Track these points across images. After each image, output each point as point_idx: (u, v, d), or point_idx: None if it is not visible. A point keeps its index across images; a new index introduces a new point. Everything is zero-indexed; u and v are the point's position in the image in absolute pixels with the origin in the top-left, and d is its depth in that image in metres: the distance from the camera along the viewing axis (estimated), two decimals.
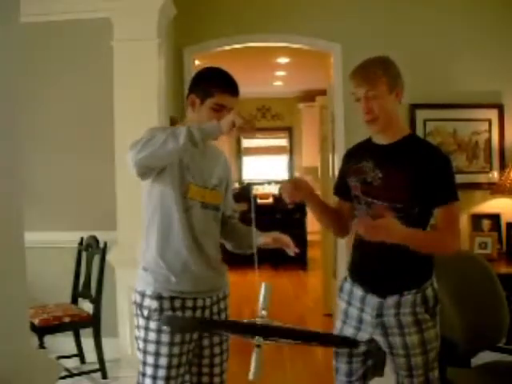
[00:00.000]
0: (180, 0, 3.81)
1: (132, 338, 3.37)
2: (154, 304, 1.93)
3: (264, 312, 1.47)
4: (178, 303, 1.95)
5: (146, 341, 1.94)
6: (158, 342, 1.92)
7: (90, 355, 3.70)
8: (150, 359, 1.93)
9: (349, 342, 1.60)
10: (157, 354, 1.92)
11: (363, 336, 1.98)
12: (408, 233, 1.78)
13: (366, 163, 1.96)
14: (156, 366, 1.93)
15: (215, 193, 2.06)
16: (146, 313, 1.94)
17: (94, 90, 3.89)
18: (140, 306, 1.96)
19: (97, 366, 3.57)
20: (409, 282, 1.92)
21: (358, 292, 1.99)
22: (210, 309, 2.03)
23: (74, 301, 3.78)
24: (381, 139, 1.97)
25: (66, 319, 3.47)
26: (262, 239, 2.04)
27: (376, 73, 1.90)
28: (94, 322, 3.54)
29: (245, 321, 1.45)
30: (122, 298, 3.47)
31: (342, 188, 2.11)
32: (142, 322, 1.95)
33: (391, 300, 1.91)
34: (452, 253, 1.95)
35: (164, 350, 1.92)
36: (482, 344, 2.49)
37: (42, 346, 3.32)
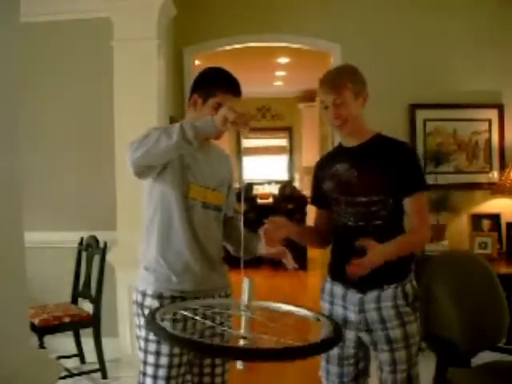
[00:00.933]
0: (180, 0, 3.81)
1: (132, 337, 3.38)
2: (155, 303, 1.93)
3: (245, 310, 1.49)
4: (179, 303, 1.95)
5: (147, 340, 1.94)
6: (159, 342, 1.91)
7: (90, 355, 3.70)
8: (151, 358, 1.93)
9: (333, 341, 1.48)
10: (158, 354, 1.92)
11: (349, 335, 2.03)
12: (389, 250, 1.92)
13: (339, 166, 2.08)
14: (157, 366, 1.93)
15: (217, 193, 2.06)
16: (147, 312, 1.93)
17: (94, 90, 3.90)
18: (141, 306, 1.97)
19: (97, 366, 3.57)
20: (389, 277, 1.99)
21: (339, 290, 2.06)
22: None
23: (74, 301, 3.78)
24: (351, 142, 2.10)
25: (66, 319, 3.47)
26: (265, 250, 2.03)
27: (342, 81, 2.02)
28: (93, 322, 3.54)
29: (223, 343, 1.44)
30: (122, 298, 3.47)
31: (317, 196, 2.24)
32: (143, 321, 1.95)
33: (371, 295, 1.99)
34: (426, 243, 2.17)
35: (165, 349, 1.92)
36: (482, 344, 2.49)
37: (42, 346, 3.32)
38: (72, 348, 3.78)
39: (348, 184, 2.04)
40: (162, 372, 1.92)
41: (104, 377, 3.57)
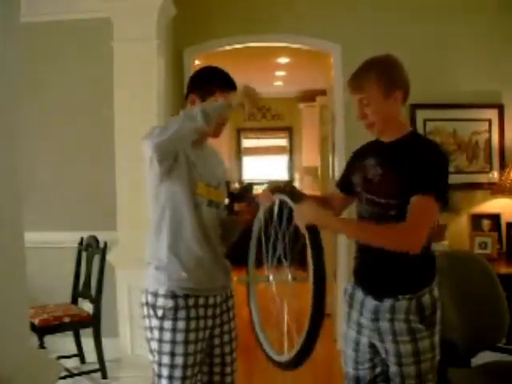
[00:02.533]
0: (180, 0, 3.81)
1: (132, 337, 3.37)
2: (170, 303, 1.93)
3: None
4: (191, 301, 1.95)
5: (160, 341, 1.93)
6: (173, 342, 1.91)
7: (90, 355, 3.70)
8: (166, 359, 1.92)
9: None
10: (172, 354, 1.92)
11: (363, 340, 1.98)
12: (340, 221, 1.88)
13: (368, 161, 1.98)
14: (172, 366, 1.92)
15: (218, 191, 2.10)
16: (160, 313, 1.93)
17: (94, 90, 3.90)
18: (153, 307, 1.95)
19: (97, 366, 3.57)
20: (404, 286, 1.88)
21: (359, 294, 2.00)
22: (220, 306, 2.05)
23: (74, 301, 3.78)
24: (384, 138, 1.98)
25: (66, 319, 3.47)
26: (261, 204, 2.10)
27: (369, 79, 1.87)
28: (93, 322, 3.54)
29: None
30: (121, 298, 3.47)
31: (344, 184, 2.15)
32: (155, 322, 1.94)
33: (387, 303, 1.89)
34: (408, 249, 1.74)
35: (179, 349, 1.91)
36: (482, 344, 2.49)
37: (42, 346, 3.32)
38: (72, 348, 3.79)
39: (371, 182, 1.94)
40: (177, 372, 1.92)
41: (104, 377, 3.57)
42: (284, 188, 1.96)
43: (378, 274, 1.94)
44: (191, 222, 1.97)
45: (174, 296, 1.94)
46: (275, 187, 2.02)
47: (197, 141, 1.98)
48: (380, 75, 1.87)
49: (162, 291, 1.95)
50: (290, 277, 1.86)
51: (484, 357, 2.52)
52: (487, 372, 2.43)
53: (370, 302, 1.94)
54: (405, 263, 1.86)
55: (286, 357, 1.84)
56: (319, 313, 1.68)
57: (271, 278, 1.90)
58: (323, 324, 1.69)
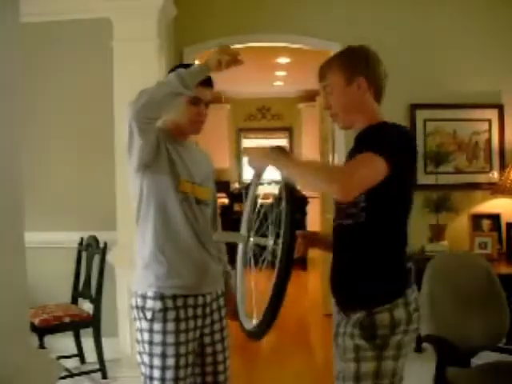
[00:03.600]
0: (180, 0, 3.81)
1: (132, 337, 3.37)
2: (158, 305, 1.92)
3: None
4: (180, 302, 1.94)
5: (151, 343, 1.92)
6: (163, 343, 1.91)
7: (90, 355, 3.70)
8: (157, 361, 1.91)
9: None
10: (164, 356, 1.91)
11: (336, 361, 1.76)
12: (291, 159, 1.61)
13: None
14: (164, 368, 1.91)
15: (203, 188, 2.07)
16: (149, 315, 1.93)
17: (94, 90, 3.90)
18: (142, 309, 1.95)
19: (97, 366, 3.57)
20: (360, 299, 1.67)
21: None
22: (210, 305, 2.04)
23: (74, 301, 3.78)
24: (355, 130, 1.80)
25: (66, 319, 3.47)
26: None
27: (331, 66, 1.78)
28: (93, 321, 3.54)
29: None
30: (121, 298, 3.47)
31: None
32: (145, 324, 1.94)
33: (341, 316, 1.73)
34: (336, 193, 1.53)
35: (170, 350, 1.91)
36: (482, 344, 2.49)
37: (42, 346, 3.32)
38: (72, 348, 3.79)
39: None
40: (169, 374, 1.91)
41: (104, 377, 3.57)
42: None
43: (340, 285, 1.76)
44: (177, 218, 1.95)
45: (162, 297, 1.93)
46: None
47: (178, 137, 2.00)
48: (343, 61, 1.78)
49: (150, 293, 1.93)
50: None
51: (484, 357, 2.52)
52: (487, 372, 2.43)
53: (335, 316, 1.78)
54: (365, 274, 1.67)
55: (252, 324, 1.70)
56: (284, 275, 1.53)
57: (271, 242, 1.66)
58: (287, 288, 1.53)
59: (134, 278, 2.03)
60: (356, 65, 1.76)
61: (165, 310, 1.92)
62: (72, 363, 3.74)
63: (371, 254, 1.67)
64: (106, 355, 3.59)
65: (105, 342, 3.58)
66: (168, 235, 1.96)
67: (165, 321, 1.92)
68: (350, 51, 1.83)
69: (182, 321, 1.93)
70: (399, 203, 1.68)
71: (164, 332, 1.91)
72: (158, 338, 1.91)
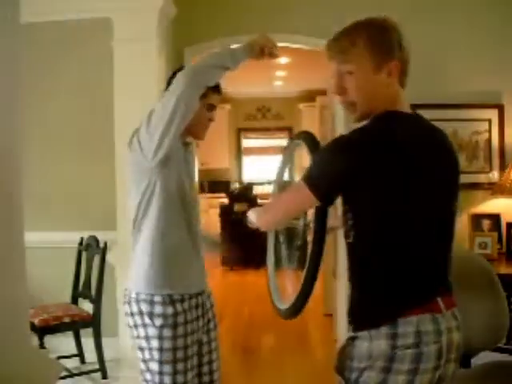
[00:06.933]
0: (180, 0, 3.81)
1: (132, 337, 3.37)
2: (169, 310, 1.88)
3: None
4: (186, 304, 1.94)
5: (161, 350, 1.87)
6: (174, 349, 1.87)
7: (90, 355, 3.70)
8: (168, 368, 1.87)
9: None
10: (174, 361, 1.88)
11: None
12: None
13: None
14: (175, 373, 1.88)
15: (194, 191, 2.11)
16: (158, 321, 1.86)
17: (94, 90, 3.90)
18: (150, 315, 1.87)
19: (97, 366, 3.58)
20: (352, 319, 1.51)
21: None
22: (205, 304, 2.05)
23: (74, 301, 3.79)
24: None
25: (66, 319, 3.47)
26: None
27: (354, 42, 1.39)
28: (93, 321, 3.54)
29: None
30: (121, 298, 3.45)
31: None
32: (153, 332, 1.87)
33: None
34: (258, 224, 1.55)
35: (180, 354, 1.88)
36: (482, 344, 2.49)
37: (42, 346, 3.32)
38: (72, 348, 3.79)
39: None
40: (180, 378, 1.89)
41: (104, 377, 3.57)
42: (301, 134, 1.80)
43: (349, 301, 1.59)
44: (178, 219, 1.94)
45: (172, 301, 1.89)
46: (296, 134, 1.88)
47: (186, 140, 2.03)
48: (372, 41, 1.41)
49: (158, 298, 1.88)
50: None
51: (484, 357, 2.52)
52: (487, 372, 2.43)
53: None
54: (354, 294, 1.51)
55: (286, 304, 1.79)
56: (318, 252, 1.58)
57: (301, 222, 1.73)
58: (321, 266, 1.58)
59: (132, 279, 1.98)
60: (389, 47, 1.44)
61: (175, 314, 1.88)
62: (72, 363, 3.74)
63: (358, 277, 1.49)
64: (106, 355, 3.59)
65: (105, 341, 3.58)
66: (172, 235, 1.95)
67: (175, 326, 1.88)
68: (379, 27, 1.47)
69: (189, 323, 1.93)
70: (394, 220, 1.38)
71: (174, 337, 1.87)
72: (168, 344, 1.87)
